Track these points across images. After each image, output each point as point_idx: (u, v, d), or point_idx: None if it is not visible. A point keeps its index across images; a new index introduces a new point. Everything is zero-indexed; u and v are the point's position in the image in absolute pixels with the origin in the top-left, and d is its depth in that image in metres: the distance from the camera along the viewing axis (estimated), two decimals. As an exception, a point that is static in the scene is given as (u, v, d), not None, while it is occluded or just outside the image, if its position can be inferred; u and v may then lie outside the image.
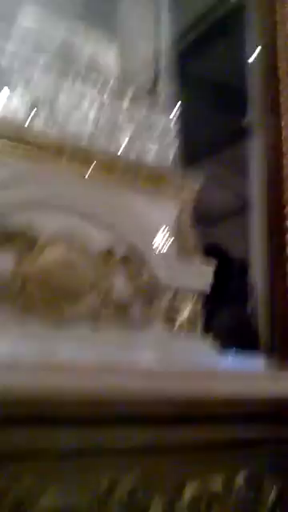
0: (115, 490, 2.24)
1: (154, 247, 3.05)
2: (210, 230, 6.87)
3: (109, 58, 3.80)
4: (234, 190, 6.60)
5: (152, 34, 4.19)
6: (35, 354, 2.29)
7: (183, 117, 3.86)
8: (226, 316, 4.83)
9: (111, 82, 3.54)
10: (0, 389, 1.90)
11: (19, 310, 2.45)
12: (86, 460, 2.23)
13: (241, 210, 5.41)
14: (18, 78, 3.09)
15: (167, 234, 3.18)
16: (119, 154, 3.28)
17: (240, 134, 5.01)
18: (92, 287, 2.72)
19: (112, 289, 2.79)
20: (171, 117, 3.72)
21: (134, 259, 2.91)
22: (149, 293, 2.89)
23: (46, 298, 2.56)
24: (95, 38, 3.80)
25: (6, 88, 3.02)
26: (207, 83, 6.35)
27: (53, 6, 3.67)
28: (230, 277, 5.29)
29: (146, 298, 2.88)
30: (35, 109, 3.05)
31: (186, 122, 3.89)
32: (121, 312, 2.76)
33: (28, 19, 3.49)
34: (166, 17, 4.46)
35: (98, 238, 2.82)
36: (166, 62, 4.27)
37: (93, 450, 2.23)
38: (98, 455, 2.26)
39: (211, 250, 3.44)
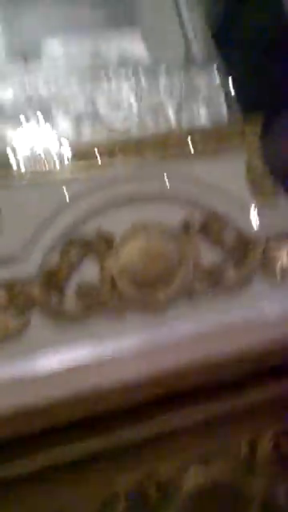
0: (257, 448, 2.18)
1: (232, 204, 2.92)
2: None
3: (136, 47, 3.78)
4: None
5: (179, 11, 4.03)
6: (144, 344, 2.38)
7: (236, 76, 3.68)
8: None
9: (144, 66, 3.52)
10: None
11: (117, 308, 2.54)
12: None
13: None
14: (57, 102, 3.24)
15: (243, 186, 3.03)
16: (171, 127, 3.26)
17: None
18: (180, 263, 2.71)
19: (200, 258, 2.74)
20: (215, 79, 3.55)
21: (214, 222, 2.82)
22: (239, 251, 2.77)
23: (138, 289, 2.61)
24: (119, 37, 3.80)
25: (48, 114, 3.17)
26: (252, 41, 5.93)
27: (73, 28, 3.78)
28: None
29: (238, 257, 2.76)
30: (80, 116, 3.18)
31: (240, 80, 3.70)
32: (215, 278, 2.69)
33: (53, 48, 3.64)
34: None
35: (173, 214, 2.80)
36: (200, 33, 4.10)
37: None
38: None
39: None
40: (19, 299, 2.40)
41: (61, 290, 2.49)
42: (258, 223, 2.85)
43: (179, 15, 3.83)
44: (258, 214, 2.90)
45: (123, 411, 2.07)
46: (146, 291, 2.61)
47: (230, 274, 2.71)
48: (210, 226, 2.82)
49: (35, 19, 3.85)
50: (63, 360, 2.21)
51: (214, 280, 2.67)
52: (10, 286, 2.41)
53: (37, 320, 2.40)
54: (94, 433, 2.06)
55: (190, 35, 3.77)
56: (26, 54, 3.50)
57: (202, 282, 2.65)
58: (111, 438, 2.09)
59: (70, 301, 2.49)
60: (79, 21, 3.94)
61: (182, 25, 3.79)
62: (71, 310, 2.47)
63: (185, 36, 3.75)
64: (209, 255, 2.75)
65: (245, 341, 2.27)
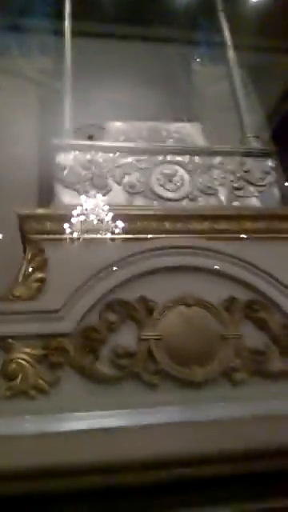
0: None
1: (281, 290, 2.85)
2: None
3: (195, 137, 3.99)
4: None
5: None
6: (176, 419, 2.22)
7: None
8: None
9: (200, 152, 3.68)
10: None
11: (151, 378, 2.42)
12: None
13: None
14: (114, 175, 3.39)
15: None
16: (222, 205, 3.33)
17: None
18: (221, 342, 2.60)
19: (243, 339, 2.62)
20: (270, 171, 3.66)
21: (260, 305, 2.74)
22: (287, 339, 2.65)
23: (175, 362, 2.49)
24: (179, 126, 4.04)
25: (105, 186, 3.32)
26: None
27: (135, 116, 4.08)
28: None
29: (285, 344, 2.63)
30: (133, 188, 3.29)
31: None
32: (257, 363, 2.54)
33: (115, 129, 3.89)
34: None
35: (217, 291, 2.74)
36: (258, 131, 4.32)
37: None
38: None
39: None
40: (53, 355, 2.33)
41: (96, 351, 2.41)
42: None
43: (240, 115, 4.04)
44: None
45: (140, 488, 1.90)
46: (183, 366, 2.48)
47: (275, 362, 2.55)
48: (255, 309, 2.72)
49: (101, 105, 4.19)
50: (90, 423, 2.08)
51: (256, 366, 2.52)
52: (47, 341, 2.36)
53: (68, 378, 2.31)
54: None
55: (249, 132, 3.94)
56: (91, 133, 3.74)
57: (243, 365, 2.51)
58: None
59: (104, 364, 2.39)
60: (142, 111, 4.25)
61: (241, 123, 3.99)
62: (104, 374, 2.36)
63: (243, 133, 3.93)
64: (252, 339, 2.62)
65: (284, 433, 2.08)
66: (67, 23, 4.17)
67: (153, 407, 2.24)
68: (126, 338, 2.50)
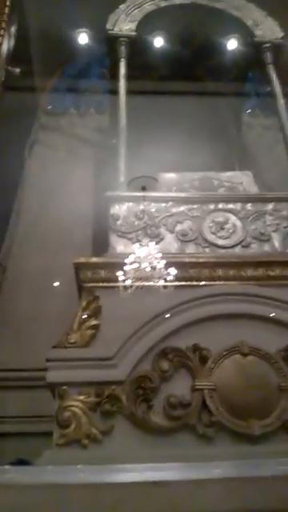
0: None
1: None
2: None
3: (245, 177, 4.03)
4: None
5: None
6: (231, 474, 2.11)
7: None
8: None
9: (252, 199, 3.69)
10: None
11: (205, 430, 2.34)
12: None
13: None
14: (166, 224, 3.46)
15: None
16: (276, 251, 3.28)
17: None
18: (279, 392, 2.48)
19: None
20: None
21: None
22: None
23: (230, 415, 2.41)
24: (229, 175, 4.10)
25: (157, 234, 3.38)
26: None
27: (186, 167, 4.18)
28: None
29: None
30: (186, 236, 3.33)
31: None
32: None
33: (167, 180, 3.99)
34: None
35: (274, 340, 2.66)
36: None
37: None
38: None
39: None
40: (106, 403, 2.32)
41: (149, 401, 2.38)
42: None
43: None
44: None
45: None
46: (240, 419, 2.38)
47: None
48: None
49: (154, 158, 4.33)
50: (141, 475, 2.01)
51: None
52: (100, 388, 2.36)
53: (121, 427, 2.28)
54: None
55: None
56: (144, 185, 3.87)
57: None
58: None
59: (158, 414, 2.35)
60: (194, 162, 4.35)
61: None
62: (157, 424, 2.32)
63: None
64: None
65: None
66: (121, 83, 4.41)
67: (207, 461, 2.15)
68: (179, 387, 2.45)
